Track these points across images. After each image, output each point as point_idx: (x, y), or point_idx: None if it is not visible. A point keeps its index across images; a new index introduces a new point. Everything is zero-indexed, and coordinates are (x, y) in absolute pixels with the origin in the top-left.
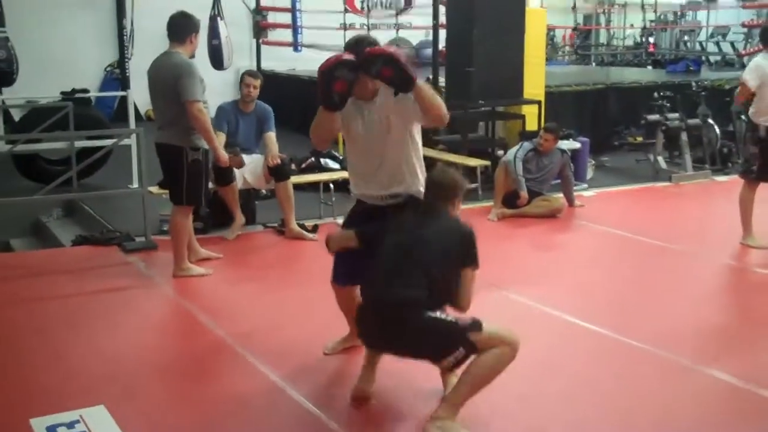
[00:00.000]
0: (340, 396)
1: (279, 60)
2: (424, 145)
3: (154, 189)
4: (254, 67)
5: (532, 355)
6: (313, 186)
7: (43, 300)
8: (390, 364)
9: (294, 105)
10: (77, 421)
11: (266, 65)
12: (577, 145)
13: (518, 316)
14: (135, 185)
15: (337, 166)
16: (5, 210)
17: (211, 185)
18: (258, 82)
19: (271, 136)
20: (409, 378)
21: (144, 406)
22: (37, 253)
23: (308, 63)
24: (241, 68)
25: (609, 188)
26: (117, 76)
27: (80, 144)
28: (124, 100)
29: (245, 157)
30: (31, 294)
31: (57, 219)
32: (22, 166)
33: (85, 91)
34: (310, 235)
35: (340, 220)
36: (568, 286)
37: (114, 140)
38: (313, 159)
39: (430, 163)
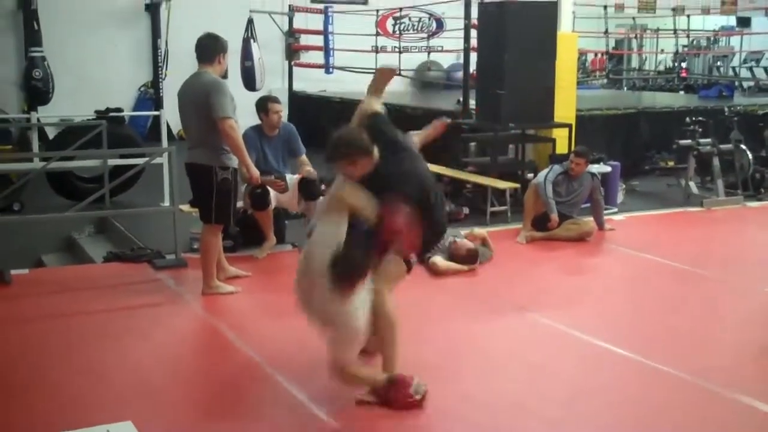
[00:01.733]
0: (365, 416)
1: (310, 81)
2: (454, 167)
3: (185, 207)
4: (286, 89)
5: (562, 379)
6: None
7: (73, 315)
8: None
9: (325, 126)
10: None
11: (298, 86)
12: (607, 168)
13: (547, 340)
14: (166, 203)
15: None
16: (38, 226)
17: (240, 204)
18: (281, 107)
19: (304, 159)
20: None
21: (171, 424)
22: (68, 269)
23: (339, 85)
24: (273, 90)
25: (639, 212)
26: (150, 96)
27: (113, 162)
28: (157, 119)
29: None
30: (62, 309)
31: (89, 236)
32: (56, 184)
33: (119, 110)
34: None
35: None
36: (598, 310)
37: (146, 159)
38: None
39: (459, 184)
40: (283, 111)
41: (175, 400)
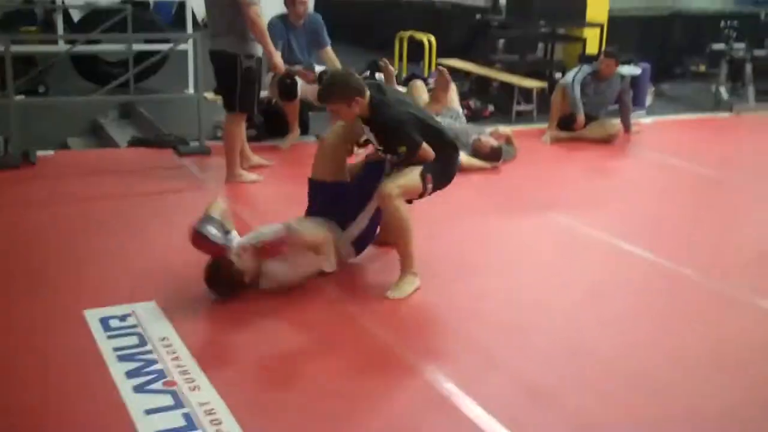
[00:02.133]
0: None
1: None
2: (481, 63)
3: (210, 95)
4: None
5: (581, 277)
6: None
7: (97, 198)
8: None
9: (351, 18)
10: (129, 315)
11: None
12: (637, 71)
13: (568, 239)
14: (190, 91)
15: None
16: (63, 109)
17: (265, 93)
18: None
19: (329, 51)
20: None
21: (193, 305)
22: (93, 152)
23: None
24: None
25: (667, 116)
26: None
27: (138, 47)
28: (182, 6)
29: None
30: (87, 192)
31: (113, 120)
32: (81, 67)
33: None
34: (361, 150)
35: None
36: (620, 211)
37: (171, 45)
38: (368, 73)
39: (486, 81)
40: (310, 2)
41: (196, 282)
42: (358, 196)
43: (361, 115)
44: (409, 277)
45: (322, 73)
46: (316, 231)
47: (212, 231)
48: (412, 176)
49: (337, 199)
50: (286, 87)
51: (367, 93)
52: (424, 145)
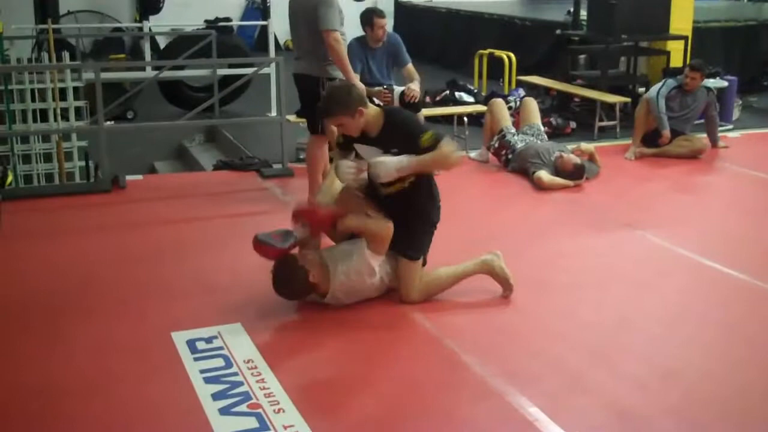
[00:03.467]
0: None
1: None
2: (562, 80)
3: (292, 118)
4: (392, 0)
5: (668, 297)
6: (447, 119)
7: (185, 221)
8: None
9: (430, 37)
10: (215, 337)
11: None
12: (723, 83)
13: (654, 258)
14: (273, 113)
15: (471, 99)
16: (151, 134)
17: None
18: (386, 20)
19: (410, 68)
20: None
21: (277, 326)
22: (180, 175)
23: None
24: (379, 1)
25: (756, 130)
26: (258, 6)
27: (222, 72)
28: (264, 29)
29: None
30: (174, 215)
31: (199, 144)
32: (167, 93)
33: (228, 20)
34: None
35: (473, 154)
36: (707, 229)
37: (254, 69)
38: (447, 92)
39: (567, 97)
40: (388, 21)
41: (280, 303)
42: None
43: (368, 129)
44: None
45: (401, 94)
46: (379, 220)
47: (270, 238)
48: (413, 271)
49: None
50: None
51: (369, 104)
52: (449, 147)
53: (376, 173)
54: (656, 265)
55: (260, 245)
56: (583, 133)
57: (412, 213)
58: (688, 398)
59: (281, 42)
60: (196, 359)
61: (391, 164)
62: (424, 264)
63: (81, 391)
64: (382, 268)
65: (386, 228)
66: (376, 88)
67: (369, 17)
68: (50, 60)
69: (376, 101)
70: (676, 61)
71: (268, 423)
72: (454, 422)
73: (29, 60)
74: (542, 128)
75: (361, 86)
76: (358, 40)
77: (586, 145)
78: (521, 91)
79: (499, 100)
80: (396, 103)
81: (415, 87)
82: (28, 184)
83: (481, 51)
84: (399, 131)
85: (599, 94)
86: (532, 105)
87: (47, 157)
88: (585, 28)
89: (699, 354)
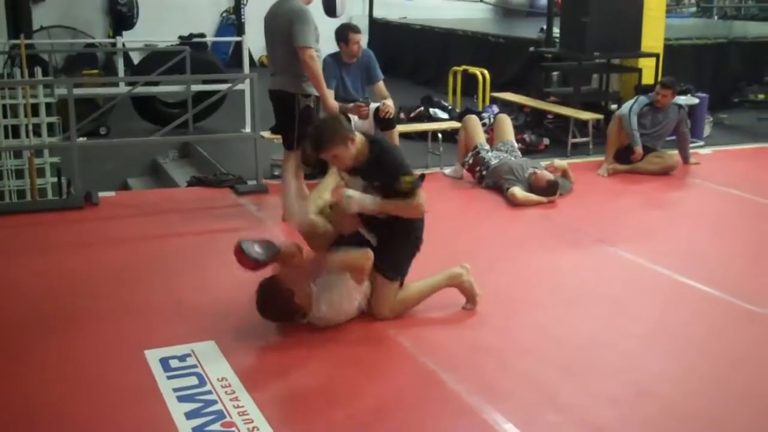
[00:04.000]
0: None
1: (390, 8)
2: (535, 96)
3: (266, 134)
4: (367, 15)
5: (641, 313)
6: (422, 135)
7: (158, 237)
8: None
9: (405, 53)
10: (189, 355)
11: (378, 13)
12: (695, 100)
13: (627, 274)
14: (248, 130)
15: (445, 116)
16: (124, 150)
17: None
18: (361, 36)
19: (381, 86)
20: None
21: (251, 345)
22: (153, 192)
23: (420, 12)
24: (353, 16)
25: (727, 147)
26: (232, 22)
27: (196, 87)
28: (239, 45)
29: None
30: (147, 231)
31: (173, 160)
32: (141, 108)
33: (202, 36)
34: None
35: (447, 171)
36: (680, 245)
37: (228, 85)
38: (422, 108)
39: (540, 114)
40: (363, 38)
41: (254, 321)
42: None
43: (356, 158)
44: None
45: (376, 110)
46: (359, 252)
47: (254, 248)
48: (389, 290)
49: None
50: None
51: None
52: (420, 199)
53: (347, 205)
54: (629, 281)
55: (242, 255)
56: (556, 149)
57: (396, 234)
58: (663, 415)
59: (256, 58)
60: (169, 377)
61: (356, 202)
62: (401, 285)
63: (53, 407)
64: (361, 291)
65: (366, 259)
66: (351, 104)
67: (344, 33)
68: (22, 75)
69: (351, 116)
70: (648, 78)
71: None
72: None
73: (1, 75)
74: (516, 145)
75: (335, 104)
76: (333, 57)
77: (559, 162)
78: (495, 108)
79: (474, 117)
80: (372, 119)
81: (390, 103)
82: (0, 200)
83: (455, 68)
84: (382, 166)
85: (572, 111)
86: (506, 122)
87: (19, 174)
88: (558, 46)
89: (672, 370)
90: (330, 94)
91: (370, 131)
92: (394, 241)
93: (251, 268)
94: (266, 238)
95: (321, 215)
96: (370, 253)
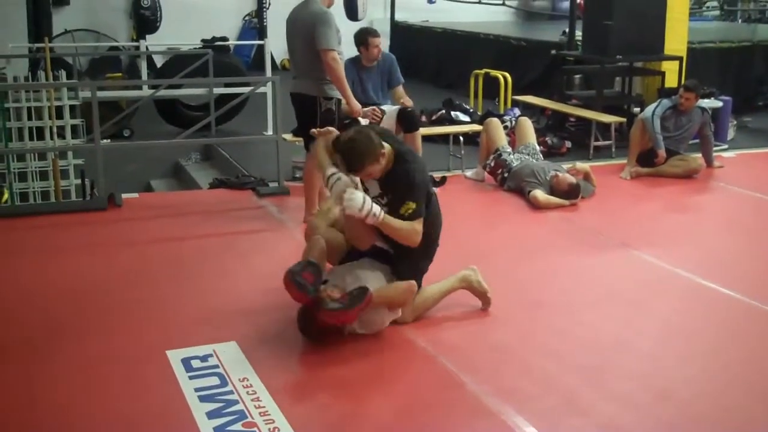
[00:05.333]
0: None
1: (412, 11)
2: (557, 99)
3: (288, 136)
4: (388, 19)
5: (663, 316)
6: (443, 138)
7: (180, 239)
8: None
9: (426, 57)
10: (210, 355)
11: (400, 16)
12: (718, 104)
13: (649, 277)
14: (270, 132)
15: (467, 118)
16: (147, 152)
17: None
18: (380, 40)
19: (400, 90)
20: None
21: (273, 345)
22: (175, 194)
23: (442, 15)
24: (375, 20)
25: (750, 150)
26: (255, 26)
27: (218, 90)
28: (261, 48)
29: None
30: (170, 233)
31: (195, 162)
32: (164, 111)
33: (225, 39)
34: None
35: (469, 173)
36: (702, 249)
37: (251, 88)
38: (443, 111)
39: (562, 117)
40: (385, 41)
41: (276, 322)
42: None
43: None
44: None
45: (399, 112)
46: (400, 288)
47: (303, 281)
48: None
49: None
50: (344, 128)
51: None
52: (419, 228)
53: (347, 206)
54: (651, 284)
55: (293, 286)
56: (578, 152)
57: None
58: (683, 417)
59: (278, 61)
60: (191, 377)
61: (359, 205)
62: (418, 288)
63: (75, 408)
64: (395, 314)
65: (410, 293)
66: (366, 108)
67: (363, 37)
68: (47, 78)
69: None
70: (671, 81)
71: None
72: None
73: (26, 78)
74: (538, 147)
75: (359, 106)
76: (352, 61)
77: (581, 165)
78: (517, 111)
79: (495, 120)
80: (394, 122)
81: (409, 101)
82: (24, 202)
83: (476, 71)
84: (398, 183)
85: (594, 114)
86: (528, 124)
87: (43, 175)
88: (580, 49)
89: (694, 373)
90: (352, 97)
91: (391, 130)
92: (414, 251)
93: (300, 300)
94: (311, 263)
95: (334, 227)
96: (414, 286)
